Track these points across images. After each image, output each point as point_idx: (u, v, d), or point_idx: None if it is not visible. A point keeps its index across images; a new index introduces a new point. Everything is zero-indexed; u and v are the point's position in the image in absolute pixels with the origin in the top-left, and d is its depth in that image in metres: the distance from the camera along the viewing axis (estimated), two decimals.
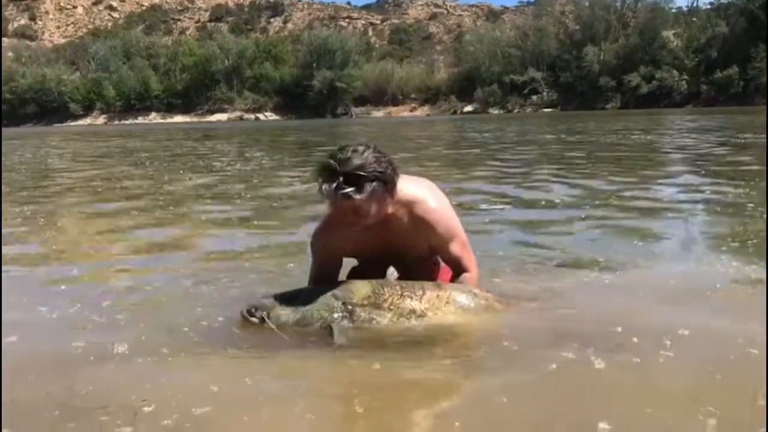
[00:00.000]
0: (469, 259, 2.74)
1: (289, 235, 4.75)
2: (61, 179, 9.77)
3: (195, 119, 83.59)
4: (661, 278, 3.20)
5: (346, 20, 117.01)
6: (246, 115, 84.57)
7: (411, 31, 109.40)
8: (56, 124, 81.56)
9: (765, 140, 12.26)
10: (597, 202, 5.94)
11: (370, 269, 2.78)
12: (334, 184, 2.33)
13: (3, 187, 7.99)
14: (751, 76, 63.02)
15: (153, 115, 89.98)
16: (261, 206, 6.41)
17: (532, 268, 3.50)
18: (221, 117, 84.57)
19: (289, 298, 2.52)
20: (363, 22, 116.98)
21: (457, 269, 2.74)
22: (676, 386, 1.99)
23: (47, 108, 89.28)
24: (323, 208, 2.67)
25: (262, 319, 2.43)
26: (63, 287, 3.33)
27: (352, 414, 1.91)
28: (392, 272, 2.79)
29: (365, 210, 2.44)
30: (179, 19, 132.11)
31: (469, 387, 2.15)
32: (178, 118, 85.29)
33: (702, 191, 6.40)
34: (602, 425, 1.72)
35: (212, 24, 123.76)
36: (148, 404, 1.93)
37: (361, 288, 2.55)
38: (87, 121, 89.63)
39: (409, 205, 2.58)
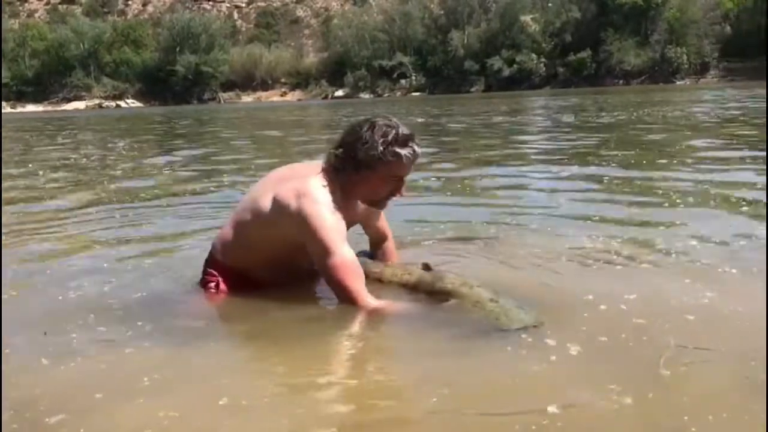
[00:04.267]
0: (387, 228, 3.04)
1: (164, 220, 4.55)
2: None
3: (49, 108, 78.37)
4: (541, 249, 3.28)
5: (210, 3, 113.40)
6: (106, 103, 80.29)
7: (278, 15, 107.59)
8: None
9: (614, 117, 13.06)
10: (465, 179, 6.12)
11: None
12: (416, 145, 2.50)
13: None
14: (602, 58, 67.26)
15: (2, 104, 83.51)
16: (128, 195, 6.10)
17: (429, 243, 3.54)
18: (78, 105, 79.74)
19: (481, 297, 2.35)
20: (228, 5, 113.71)
21: (383, 238, 3.02)
22: (609, 367, 1.94)
23: None
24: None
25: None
26: None
27: (234, 405, 1.80)
28: None
29: None
30: (27, 1, 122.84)
31: (422, 368, 2.01)
32: (30, 108, 79.57)
33: (565, 167, 6.73)
34: (551, 409, 1.67)
35: (64, 6, 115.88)
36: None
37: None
38: None
39: None
